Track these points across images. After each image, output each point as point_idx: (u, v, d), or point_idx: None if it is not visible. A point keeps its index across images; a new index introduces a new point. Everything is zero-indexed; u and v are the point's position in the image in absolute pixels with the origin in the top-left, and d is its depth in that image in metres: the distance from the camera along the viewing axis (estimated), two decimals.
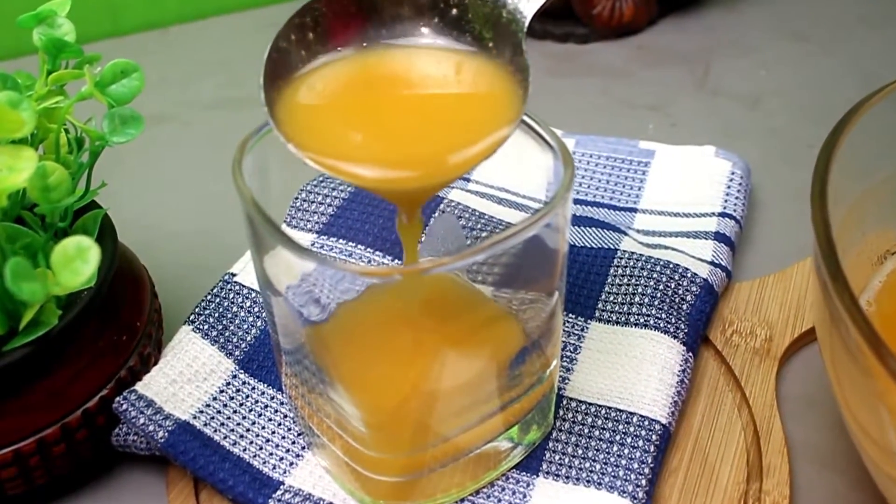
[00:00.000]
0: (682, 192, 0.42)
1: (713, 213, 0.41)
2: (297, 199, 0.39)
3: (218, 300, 0.36)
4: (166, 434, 0.30)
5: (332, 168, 0.25)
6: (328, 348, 0.29)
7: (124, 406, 0.31)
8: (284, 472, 0.31)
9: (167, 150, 0.50)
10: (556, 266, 0.27)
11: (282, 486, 0.30)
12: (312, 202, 0.39)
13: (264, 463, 0.31)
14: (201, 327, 0.35)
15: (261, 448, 0.31)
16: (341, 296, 0.30)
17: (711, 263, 0.38)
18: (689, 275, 0.37)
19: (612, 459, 0.31)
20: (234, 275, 0.37)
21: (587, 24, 0.57)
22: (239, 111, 0.53)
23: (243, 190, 0.26)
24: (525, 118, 0.28)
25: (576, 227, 0.40)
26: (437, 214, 0.38)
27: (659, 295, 0.36)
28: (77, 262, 0.24)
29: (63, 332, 0.30)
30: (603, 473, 0.30)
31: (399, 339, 0.29)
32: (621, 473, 0.30)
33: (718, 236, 0.39)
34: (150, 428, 0.30)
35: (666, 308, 0.35)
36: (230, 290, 0.37)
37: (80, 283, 0.24)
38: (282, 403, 0.33)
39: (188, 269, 0.41)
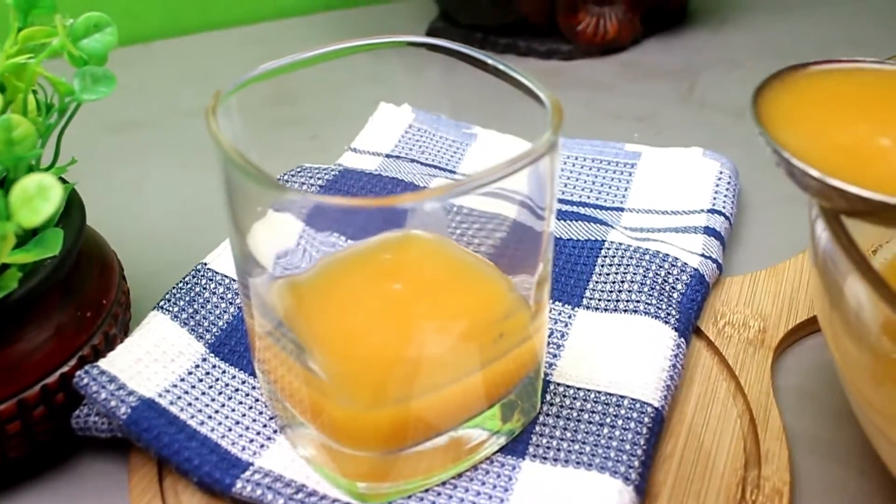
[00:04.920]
0: (669, 191, 0.41)
1: (702, 210, 0.40)
2: None
3: (189, 286, 0.34)
4: (129, 410, 0.29)
5: None
6: (308, 317, 0.28)
7: (85, 380, 0.29)
8: (254, 454, 0.29)
9: (144, 153, 0.49)
10: (546, 210, 0.26)
11: (251, 467, 0.28)
12: None
13: (233, 444, 0.29)
14: (171, 309, 0.33)
15: (230, 429, 0.29)
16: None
17: (702, 256, 0.37)
18: (679, 264, 0.35)
19: (603, 441, 0.29)
20: (206, 263, 0.36)
21: (571, 41, 0.57)
22: None
23: (219, 136, 0.24)
24: (516, 75, 0.27)
25: (561, 222, 0.39)
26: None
27: (648, 282, 0.34)
28: (37, 201, 0.22)
29: (24, 300, 0.28)
30: (593, 455, 0.28)
31: (380, 303, 0.28)
32: (613, 455, 0.28)
33: (708, 230, 0.38)
34: (113, 403, 0.29)
35: (656, 295, 0.34)
36: (202, 275, 0.35)
37: (39, 221, 0.22)
38: (253, 388, 0.31)
39: (160, 265, 0.39)
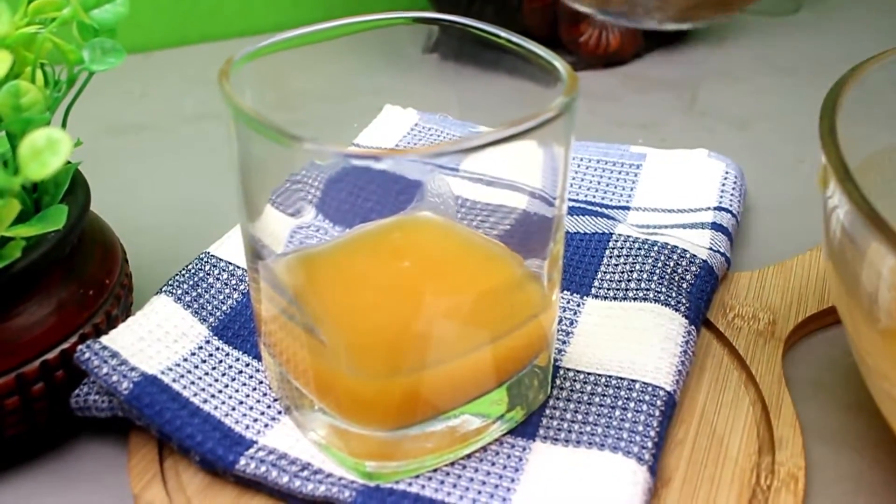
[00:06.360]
0: (675, 190, 0.41)
1: (709, 208, 0.39)
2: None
3: (193, 272, 0.34)
4: (131, 385, 0.28)
5: None
6: (321, 291, 0.27)
7: (87, 355, 0.28)
8: (259, 433, 0.28)
9: (148, 153, 0.49)
10: (559, 189, 0.26)
11: (255, 445, 0.27)
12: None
13: (237, 422, 0.28)
14: (175, 292, 0.33)
15: (233, 409, 0.29)
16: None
17: (710, 249, 0.36)
18: (687, 255, 0.35)
19: (616, 423, 0.28)
20: (209, 252, 0.35)
21: (574, 53, 0.57)
22: (218, 123, 0.52)
23: (232, 97, 0.24)
24: (529, 45, 0.27)
25: (569, 216, 0.38)
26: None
27: (658, 272, 0.34)
28: (46, 154, 0.22)
29: (26, 272, 0.28)
30: (605, 436, 0.28)
31: (391, 277, 0.28)
32: (625, 436, 0.28)
33: (715, 226, 0.38)
34: (114, 379, 0.28)
35: (665, 284, 0.34)
36: (206, 262, 0.35)
37: (47, 174, 0.22)
38: (257, 370, 0.31)
39: (163, 256, 0.39)
